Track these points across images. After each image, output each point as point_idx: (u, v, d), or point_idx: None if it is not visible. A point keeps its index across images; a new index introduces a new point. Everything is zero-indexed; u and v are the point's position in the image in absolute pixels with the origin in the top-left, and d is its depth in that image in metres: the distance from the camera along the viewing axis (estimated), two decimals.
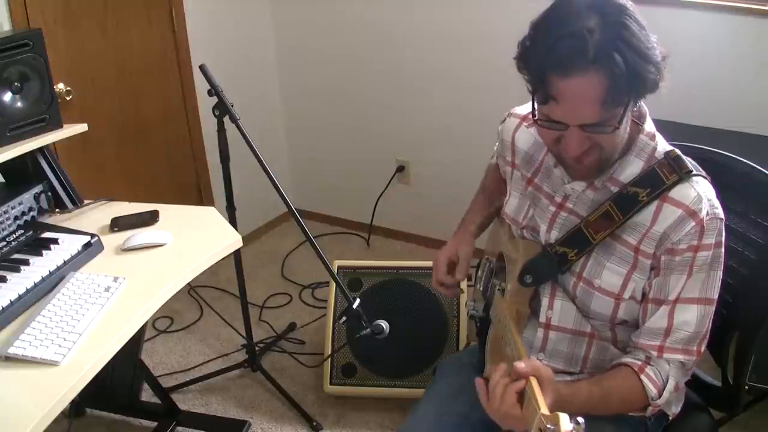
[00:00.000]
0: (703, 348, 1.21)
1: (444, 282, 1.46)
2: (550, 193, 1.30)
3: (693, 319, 1.18)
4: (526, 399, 1.03)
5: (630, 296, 1.22)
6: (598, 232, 1.20)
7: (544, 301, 1.29)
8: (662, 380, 1.19)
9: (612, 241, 1.21)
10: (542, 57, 1.06)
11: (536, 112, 1.14)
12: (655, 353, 1.20)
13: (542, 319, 1.29)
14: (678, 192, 1.16)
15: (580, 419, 0.91)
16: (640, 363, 1.20)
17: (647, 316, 1.21)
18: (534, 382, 1.03)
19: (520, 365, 1.06)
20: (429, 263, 2.31)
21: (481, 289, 1.52)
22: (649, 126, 1.22)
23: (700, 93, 2.35)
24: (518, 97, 1.32)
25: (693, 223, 1.14)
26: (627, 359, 1.22)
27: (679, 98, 2.28)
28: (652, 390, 1.19)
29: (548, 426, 0.91)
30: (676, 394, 1.25)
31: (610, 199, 1.20)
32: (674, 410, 1.33)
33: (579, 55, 1.02)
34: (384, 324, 1.94)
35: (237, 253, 2.17)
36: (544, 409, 0.96)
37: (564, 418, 0.90)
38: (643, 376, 1.19)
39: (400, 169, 3.25)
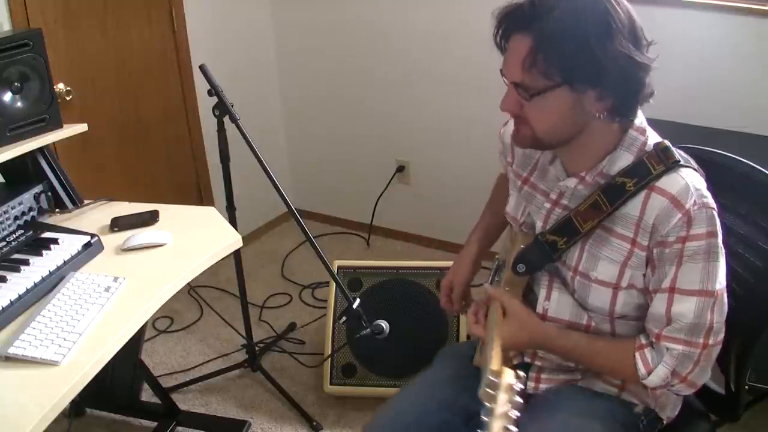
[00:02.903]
0: (712, 341, 1.18)
1: (447, 309, 1.60)
2: (546, 190, 1.32)
3: (690, 311, 1.16)
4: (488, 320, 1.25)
5: (628, 284, 1.21)
6: (587, 221, 1.22)
7: (542, 293, 1.30)
8: (655, 364, 1.20)
9: (606, 234, 1.22)
10: (501, 15, 1.17)
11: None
12: (654, 339, 1.21)
13: (539, 310, 1.30)
14: (665, 181, 1.16)
15: (521, 373, 1.01)
16: (644, 342, 1.22)
17: (651, 303, 1.22)
18: (499, 311, 1.23)
19: (492, 290, 1.30)
20: (429, 263, 2.34)
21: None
22: (639, 121, 1.22)
23: (700, 93, 2.35)
24: None
25: (680, 215, 1.14)
26: (639, 335, 1.24)
27: (679, 98, 2.30)
28: (642, 369, 1.21)
29: (491, 378, 0.98)
30: (671, 394, 1.25)
31: (599, 189, 1.21)
32: (669, 414, 1.33)
33: (518, 16, 1.13)
34: (384, 324, 1.94)
35: (237, 253, 2.17)
36: (494, 365, 1.03)
37: (509, 373, 0.97)
38: (638, 353, 1.21)
39: (400, 169, 3.25)
